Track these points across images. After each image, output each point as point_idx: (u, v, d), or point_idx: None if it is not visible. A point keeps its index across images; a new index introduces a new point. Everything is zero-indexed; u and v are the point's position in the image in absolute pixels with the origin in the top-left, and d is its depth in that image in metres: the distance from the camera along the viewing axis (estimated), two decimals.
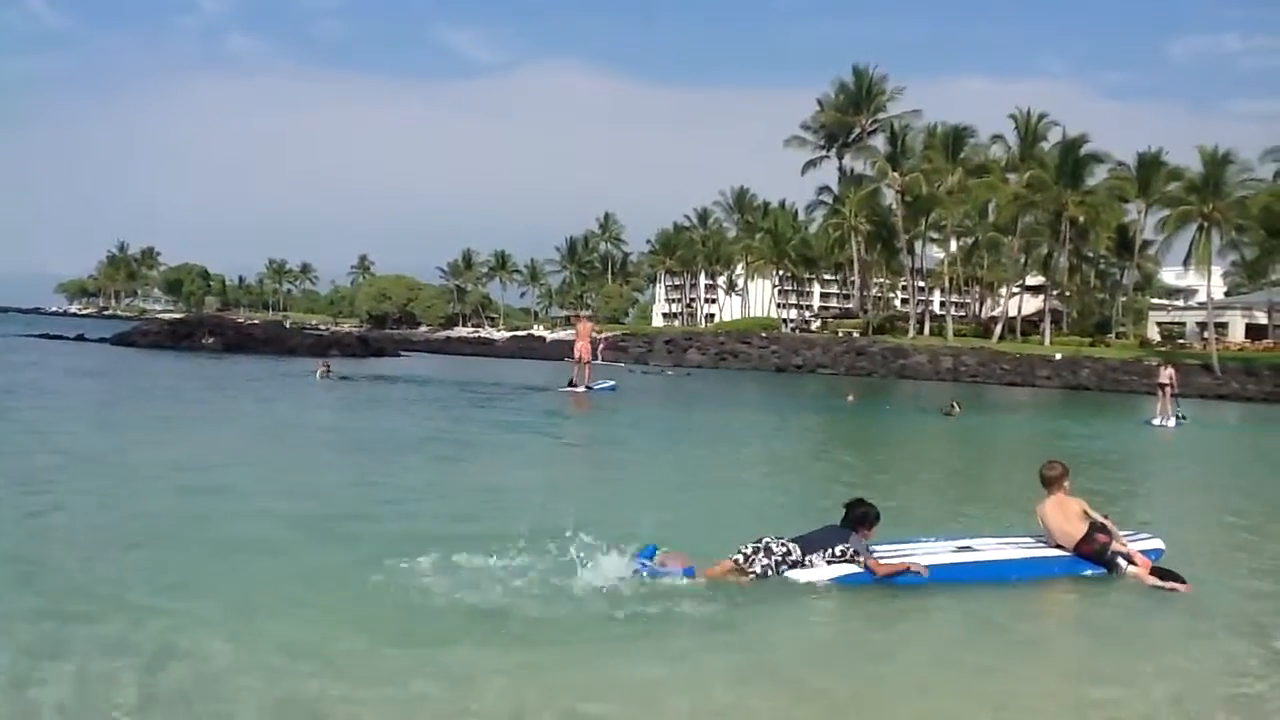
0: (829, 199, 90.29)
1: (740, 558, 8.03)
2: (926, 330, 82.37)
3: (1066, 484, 9.14)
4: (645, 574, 7.68)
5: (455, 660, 5.92)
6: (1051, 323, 78.41)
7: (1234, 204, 66.41)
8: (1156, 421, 31.92)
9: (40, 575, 7.35)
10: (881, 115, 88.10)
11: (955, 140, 79.76)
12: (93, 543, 8.41)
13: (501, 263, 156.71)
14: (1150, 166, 75.70)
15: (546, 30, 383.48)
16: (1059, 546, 8.96)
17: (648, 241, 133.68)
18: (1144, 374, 56.45)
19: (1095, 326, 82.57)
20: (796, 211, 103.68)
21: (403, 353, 62.12)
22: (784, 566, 8.06)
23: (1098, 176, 76.70)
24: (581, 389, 31.52)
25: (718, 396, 38.38)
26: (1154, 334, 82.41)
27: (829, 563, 8.17)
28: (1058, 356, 66.69)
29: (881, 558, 8.30)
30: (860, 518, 8.39)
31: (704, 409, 30.63)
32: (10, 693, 5.17)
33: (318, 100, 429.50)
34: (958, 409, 30.81)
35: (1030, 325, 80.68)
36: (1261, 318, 77.54)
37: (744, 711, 5.52)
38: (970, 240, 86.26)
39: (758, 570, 7.98)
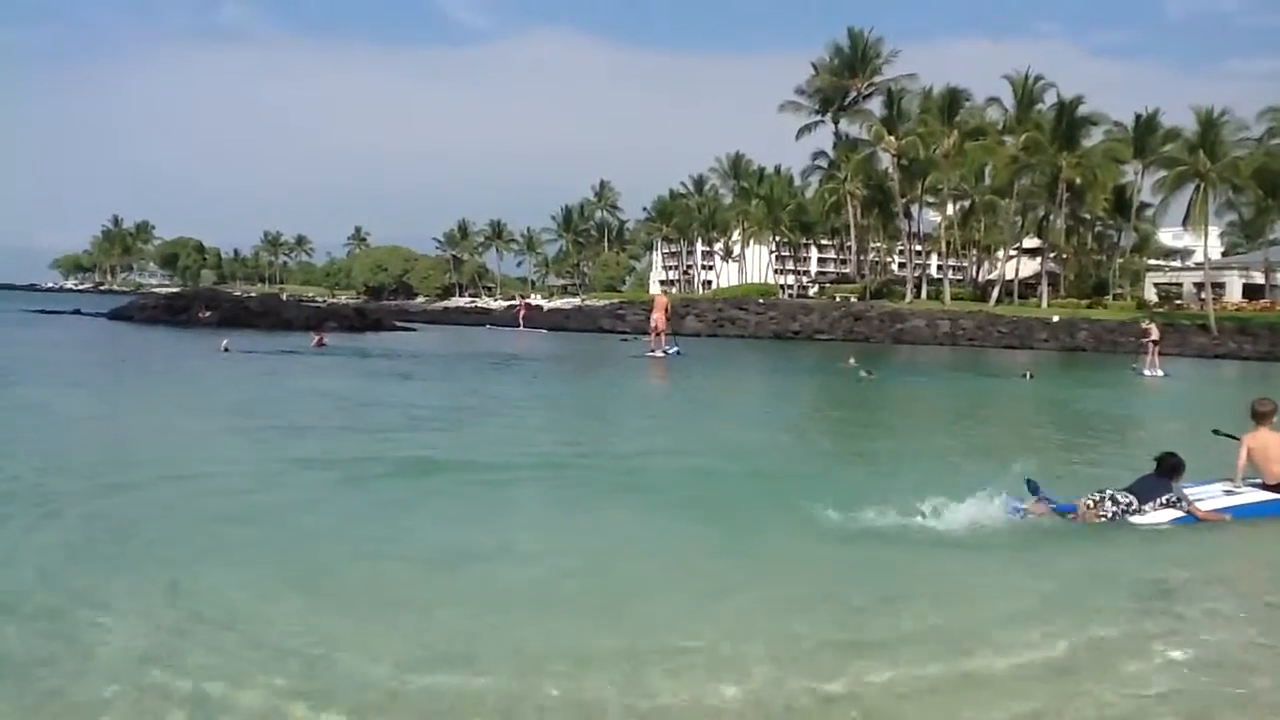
0: (824, 164, 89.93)
1: (1091, 503, 9.59)
2: (924, 294, 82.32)
3: (1275, 419, 10.30)
4: (1018, 516, 9.32)
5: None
6: (1049, 285, 78.40)
7: (1229, 164, 66.26)
8: (1146, 372, 36.83)
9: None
10: (877, 79, 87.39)
11: (951, 103, 79.30)
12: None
13: (497, 232, 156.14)
14: (1146, 127, 75.43)
15: None
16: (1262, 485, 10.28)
17: (644, 209, 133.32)
18: (1141, 335, 56.50)
19: (1092, 288, 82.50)
20: (792, 177, 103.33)
21: (403, 325, 61.49)
22: (1127, 514, 9.57)
23: (1094, 138, 76.39)
24: (659, 353, 37.65)
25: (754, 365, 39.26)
26: (1151, 295, 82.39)
27: (1156, 509, 9.65)
28: (1055, 319, 66.67)
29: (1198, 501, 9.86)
30: (1174, 467, 9.85)
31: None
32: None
33: (310, 70, 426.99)
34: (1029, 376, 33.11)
35: (1027, 288, 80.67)
36: (1259, 277, 77.53)
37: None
38: (967, 203, 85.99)
39: (1106, 514, 9.54)
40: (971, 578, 7.69)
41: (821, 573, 7.57)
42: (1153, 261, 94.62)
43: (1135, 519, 9.59)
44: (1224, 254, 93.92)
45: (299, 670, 5.22)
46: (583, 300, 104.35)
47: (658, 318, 39.37)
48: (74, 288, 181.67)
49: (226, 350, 31.29)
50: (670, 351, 38.23)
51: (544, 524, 9.05)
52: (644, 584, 7.11)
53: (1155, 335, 39.20)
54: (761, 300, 78.42)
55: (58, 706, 4.79)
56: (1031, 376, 32.73)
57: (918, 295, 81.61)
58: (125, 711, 4.77)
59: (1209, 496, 10.01)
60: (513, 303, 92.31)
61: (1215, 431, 11.52)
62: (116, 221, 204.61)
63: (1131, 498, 9.64)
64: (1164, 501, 9.68)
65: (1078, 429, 19.20)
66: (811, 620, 6.32)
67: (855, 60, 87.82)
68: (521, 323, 67.38)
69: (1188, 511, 9.66)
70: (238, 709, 4.80)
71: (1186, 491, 10.04)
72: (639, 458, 13.08)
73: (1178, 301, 78.20)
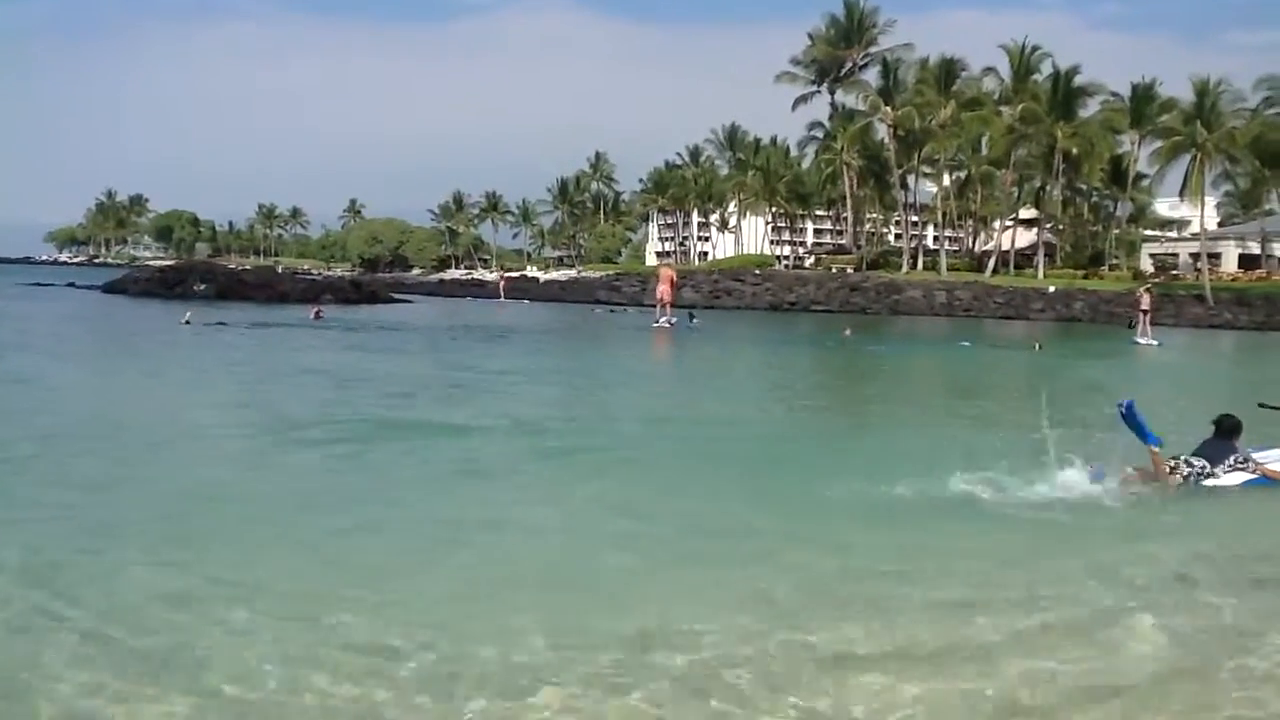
0: (821, 134, 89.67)
1: (1169, 467, 9.62)
2: (920, 265, 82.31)
3: None
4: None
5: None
6: (1045, 256, 78.41)
7: (1226, 134, 66.13)
8: (1140, 340, 37.52)
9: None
10: (873, 49, 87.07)
11: (947, 73, 78.93)
12: None
13: (493, 204, 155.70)
14: (1143, 97, 75.22)
15: None
16: None
17: (640, 180, 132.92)
18: (1134, 303, 56.62)
19: (1089, 259, 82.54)
20: (789, 148, 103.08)
21: (400, 297, 61.35)
22: (1201, 478, 9.64)
23: (1091, 108, 76.31)
24: (665, 323, 38.12)
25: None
26: (1147, 265, 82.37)
27: (1227, 471, 9.73)
28: (1051, 289, 66.78)
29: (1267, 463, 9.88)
30: (1234, 428, 9.93)
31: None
32: None
33: (305, 45, 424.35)
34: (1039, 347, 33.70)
35: (1024, 259, 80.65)
36: (1255, 247, 77.56)
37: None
38: (963, 174, 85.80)
39: (1180, 479, 9.61)
40: (1008, 550, 7.48)
41: (830, 550, 7.34)
42: (1149, 232, 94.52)
43: (1209, 482, 9.66)
44: (1220, 224, 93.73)
45: (291, 648, 5.19)
46: (579, 271, 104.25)
47: (663, 289, 39.82)
48: (68, 261, 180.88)
49: (188, 323, 29.50)
50: (673, 322, 38.62)
51: (542, 498, 8.93)
52: (647, 561, 6.98)
53: (1146, 304, 39.63)
54: (758, 271, 78.35)
55: (40, 691, 4.69)
56: (1040, 348, 33.25)
57: (914, 266, 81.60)
58: (117, 685, 4.71)
59: (1271, 460, 10.05)
60: (502, 274, 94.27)
61: (1261, 405, 11.37)
62: (110, 195, 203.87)
63: (1204, 461, 9.73)
64: (1233, 463, 9.76)
65: (1097, 397, 19.26)
66: (818, 601, 6.19)
67: (851, 30, 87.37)
68: (502, 294, 70.06)
69: (1258, 473, 9.74)
70: (226, 686, 4.77)
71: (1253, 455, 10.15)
72: (642, 427, 13.12)
73: (1173, 272, 78.19)
